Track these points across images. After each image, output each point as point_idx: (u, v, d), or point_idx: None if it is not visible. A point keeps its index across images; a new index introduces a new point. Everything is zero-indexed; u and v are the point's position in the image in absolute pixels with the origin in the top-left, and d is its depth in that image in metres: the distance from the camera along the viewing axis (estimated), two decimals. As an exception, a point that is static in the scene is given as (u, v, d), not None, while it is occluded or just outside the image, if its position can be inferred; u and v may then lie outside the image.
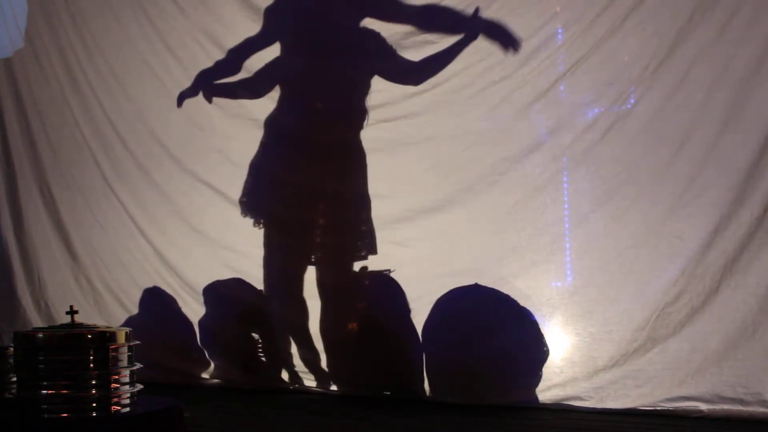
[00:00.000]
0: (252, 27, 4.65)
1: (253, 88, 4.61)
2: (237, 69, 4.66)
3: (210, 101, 4.71)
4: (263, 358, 4.63)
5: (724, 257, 3.52)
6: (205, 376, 4.83)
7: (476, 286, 3.99)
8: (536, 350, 3.86)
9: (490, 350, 3.91)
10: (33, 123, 5.46)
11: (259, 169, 4.54)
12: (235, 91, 4.67)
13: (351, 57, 4.39)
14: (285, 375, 4.56)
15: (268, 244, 4.54)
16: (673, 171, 3.63)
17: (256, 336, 4.65)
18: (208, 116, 4.82)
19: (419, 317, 4.17)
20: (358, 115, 4.33)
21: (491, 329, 3.94)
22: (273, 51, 4.59)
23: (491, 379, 3.93)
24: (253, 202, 4.55)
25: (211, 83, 4.71)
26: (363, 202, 4.34)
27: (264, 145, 4.54)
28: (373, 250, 4.32)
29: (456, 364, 4.01)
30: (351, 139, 4.36)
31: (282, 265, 4.54)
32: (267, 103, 4.59)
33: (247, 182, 4.56)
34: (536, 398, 3.86)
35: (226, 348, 4.73)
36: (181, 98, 4.79)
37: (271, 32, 4.57)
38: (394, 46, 4.25)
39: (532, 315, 3.88)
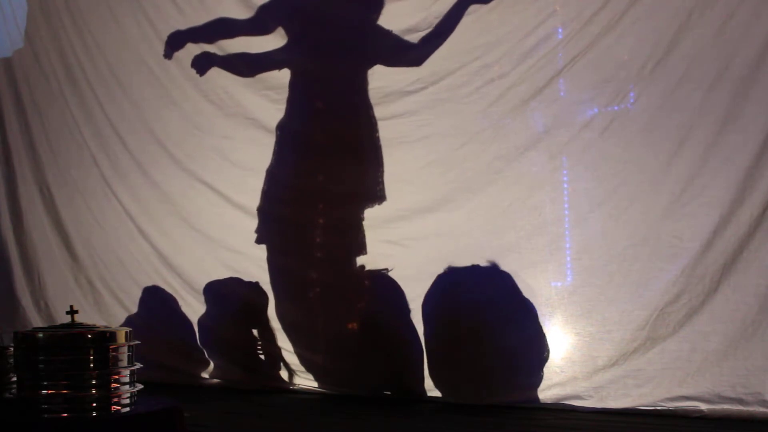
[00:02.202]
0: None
1: (244, 68, 4.62)
2: (212, 38, 4.68)
3: (202, 74, 4.71)
4: (261, 356, 4.63)
5: (723, 257, 3.52)
6: (205, 376, 4.83)
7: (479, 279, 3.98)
8: (538, 350, 3.85)
9: (492, 350, 3.91)
10: (32, 123, 5.47)
11: (272, 175, 4.53)
12: (232, 63, 4.66)
13: (353, 53, 4.38)
14: (284, 374, 4.56)
15: (271, 244, 4.54)
16: (672, 170, 3.63)
17: (255, 334, 4.64)
18: (205, 116, 4.82)
19: (418, 317, 4.17)
20: (363, 111, 4.32)
21: (493, 328, 3.93)
22: (266, 42, 4.60)
23: (492, 379, 3.92)
24: (267, 208, 4.55)
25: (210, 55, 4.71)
26: (358, 201, 4.34)
27: (276, 151, 4.53)
28: (362, 250, 4.32)
29: (457, 363, 4.01)
30: (356, 136, 4.35)
31: (283, 264, 4.53)
32: (266, 104, 4.59)
33: (263, 189, 4.55)
34: (537, 398, 3.85)
35: (225, 347, 4.73)
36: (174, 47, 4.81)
37: (260, 25, 4.57)
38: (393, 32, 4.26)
39: (534, 313, 3.87)
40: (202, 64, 4.70)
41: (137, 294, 5.04)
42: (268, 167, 4.54)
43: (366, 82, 4.33)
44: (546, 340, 3.86)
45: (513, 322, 3.91)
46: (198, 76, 4.72)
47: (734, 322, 3.50)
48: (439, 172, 4.12)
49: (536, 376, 3.85)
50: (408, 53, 4.20)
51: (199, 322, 4.80)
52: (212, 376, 4.80)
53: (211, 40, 4.72)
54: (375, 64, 4.31)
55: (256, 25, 4.59)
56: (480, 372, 3.94)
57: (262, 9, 4.60)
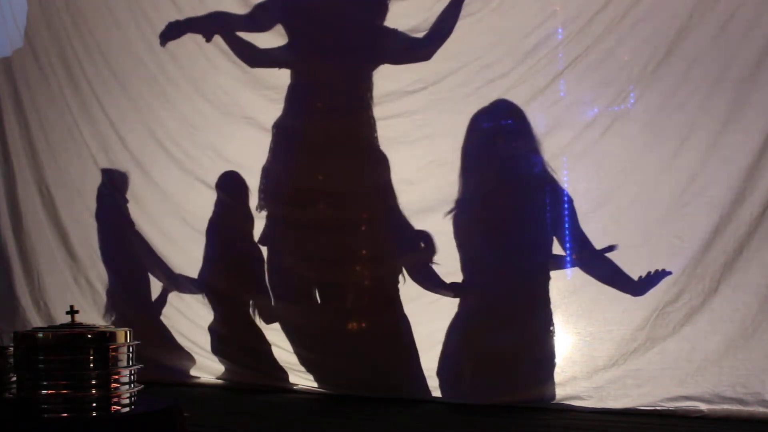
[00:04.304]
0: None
1: (246, 55, 4.61)
2: (210, 30, 4.67)
3: (209, 39, 4.68)
4: (260, 355, 4.62)
5: (723, 257, 3.52)
6: (200, 375, 4.83)
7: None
8: (546, 350, 3.85)
9: (496, 349, 3.90)
10: (32, 122, 5.46)
11: (269, 174, 4.53)
12: (238, 45, 4.64)
13: (356, 54, 4.37)
14: (285, 375, 4.56)
15: (270, 244, 4.53)
16: (672, 170, 3.63)
17: (252, 333, 4.64)
18: (204, 115, 4.82)
19: (416, 316, 4.17)
20: (363, 112, 4.32)
21: (498, 328, 3.92)
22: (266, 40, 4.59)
23: (495, 379, 3.92)
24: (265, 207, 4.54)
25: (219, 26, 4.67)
26: (357, 200, 4.33)
27: (272, 150, 4.52)
28: (363, 250, 4.31)
29: (462, 362, 4.01)
30: (356, 136, 4.35)
31: (284, 264, 4.53)
32: (264, 103, 4.58)
33: (260, 188, 4.55)
34: (543, 398, 3.85)
35: (230, 348, 4.73)
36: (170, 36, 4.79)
37: (257, 22, 4.56)
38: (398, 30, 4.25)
39: (545, 313, 3.86)
40: (210, 29, 4.67)
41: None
42: (264, 165, 4.53)
43: (370, 83, 4.32)
44: (554, 345, 3.84)
45: (521, 321, 3.89)
46: (205, 41, 4.68)
47: (734, 322, 3.50)
48: (439, 171, 4.12)
49: (546, 376, 3.84)
50: (416, 49, 4.19)
51: (209, 328, 4.79)
52: (218, 377, 4.80)
53: (208, 32, 4.70)
54: (383, 63, 4.30)
55: (254, 22, 4.59)
56: (484, 371, 3.94)
57: (260, 7, 4.59)
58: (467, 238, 4.04)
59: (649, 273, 3.63)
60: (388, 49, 4.28)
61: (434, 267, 4.12)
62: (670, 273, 3.58)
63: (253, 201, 4.57)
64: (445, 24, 4.10)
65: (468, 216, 4.03)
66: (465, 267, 4.03)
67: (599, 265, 3.74)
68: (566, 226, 3.86)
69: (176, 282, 4.88)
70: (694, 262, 3.56)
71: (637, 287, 3.65)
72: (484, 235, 4.00)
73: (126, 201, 5.03)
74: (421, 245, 4.15)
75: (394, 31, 4.25)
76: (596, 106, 3.81)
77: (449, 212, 4.02)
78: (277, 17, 4.54)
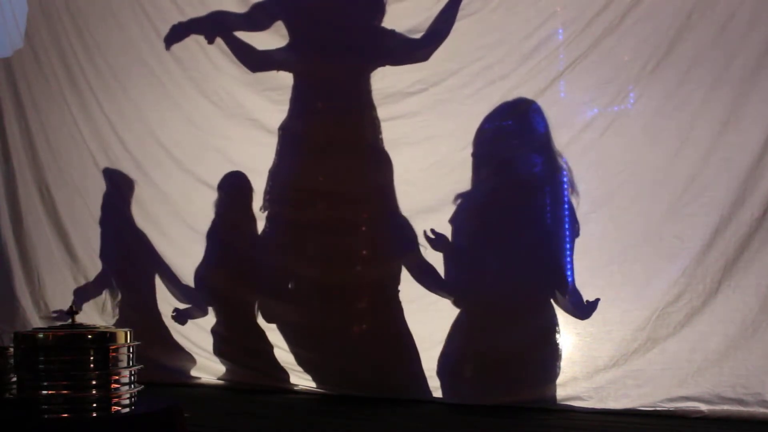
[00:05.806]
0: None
1: (246, 57, 4.61)
2: (212, 30, 4.67)
3: (211, 41, 4.68)
4: (260, 356, 4.62)
5: (724, 257, 3.52)
6: (209, 376, 4.84)
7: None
8: (550, 350, 3.85)
9: (498, 349, 3.90)
10: (32, 123, 5.46)
11: (275, 176, 4.53)
12: (239, 47, 4.63)
13: (356, 55, 4.37)
14: (286, 375, 4.56)
15: (273, 244, 4.53)
16: (673, 171, 3.63)
17: (251, 333, 4.63)
18: (206, 116, 4.82)
19: (416, 316, 4.17)
20: (367, 112, 4.32)
21: (500, 327, 3.92)
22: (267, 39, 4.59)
23: (495, 380, 3.92)
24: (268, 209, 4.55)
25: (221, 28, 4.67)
26: (364, 202, 4.33)
27: (278, 152, 4.52)
28: (364, 251, 4.31)
29: (463, 362, 4.01)
30: (360, 137, 4.34)
31: (284, 265, 4.53)
32: (266, 104, 4.58)
33: (266, 189, 4.55)
34: (545, 398, 3.85)
35: (231, 348, 4.73)
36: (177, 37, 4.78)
37: (256, 21, 4.56)
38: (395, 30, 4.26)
39: (549, 314, 3.87)
40: (212, 31, 4.67)
41: (136, 294, 5.06)
42: (270, 168, 4.53)
43: (369, 84, 4.32)
44: (555, 346, 3.84)
45: (522, 322, 3.89)
46: (207, 43, 4.68)
47: (734, 323, 3.50)
48: (441, 173, 4.12)
49: (547, 377, 3.84)
50: (413, 50, 4.20)
51: (212, 330, 4.79)
52: (219, 377, 4.80)
53: (210, 34, 4.70)
54: (382, 65, 4.30)
55: (254, 21, 4.58)
56: (484, 371, 3.94)
57: (258, 6, 4.59)
58: (465, 236, 4.04)
59: (588, 300, 3.74)
60: (387, 49, 4.29)
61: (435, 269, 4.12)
62: (599, 299, 3.70)
63: (258, 201, 4.57)
64: (443, 24, 4.11)
65: (468, 213, 4.03)
66: (466, 268, 4.03)
67: (570, 300, 3.80)
68: (566, 227, 3.86)
69: (183, 291, 4.88)
70: (694, 263, 3.56)
71: (583, 312, 3.76)
72: (484, 236, 4.00)
73: (129, 204, 5.03)
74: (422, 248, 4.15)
75: (392, 32, 4.25)
76: (596, 107, 3.81)
77: (455, 200, 4.03)
78: (277, 16, 4.54)
